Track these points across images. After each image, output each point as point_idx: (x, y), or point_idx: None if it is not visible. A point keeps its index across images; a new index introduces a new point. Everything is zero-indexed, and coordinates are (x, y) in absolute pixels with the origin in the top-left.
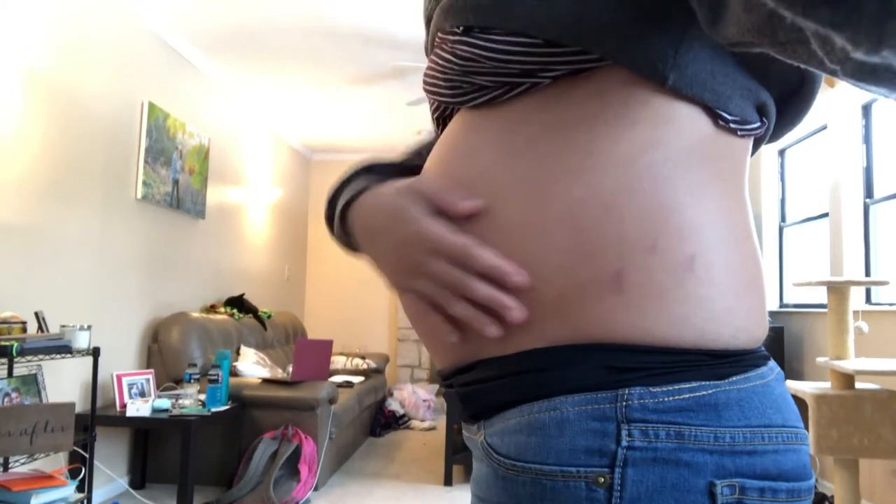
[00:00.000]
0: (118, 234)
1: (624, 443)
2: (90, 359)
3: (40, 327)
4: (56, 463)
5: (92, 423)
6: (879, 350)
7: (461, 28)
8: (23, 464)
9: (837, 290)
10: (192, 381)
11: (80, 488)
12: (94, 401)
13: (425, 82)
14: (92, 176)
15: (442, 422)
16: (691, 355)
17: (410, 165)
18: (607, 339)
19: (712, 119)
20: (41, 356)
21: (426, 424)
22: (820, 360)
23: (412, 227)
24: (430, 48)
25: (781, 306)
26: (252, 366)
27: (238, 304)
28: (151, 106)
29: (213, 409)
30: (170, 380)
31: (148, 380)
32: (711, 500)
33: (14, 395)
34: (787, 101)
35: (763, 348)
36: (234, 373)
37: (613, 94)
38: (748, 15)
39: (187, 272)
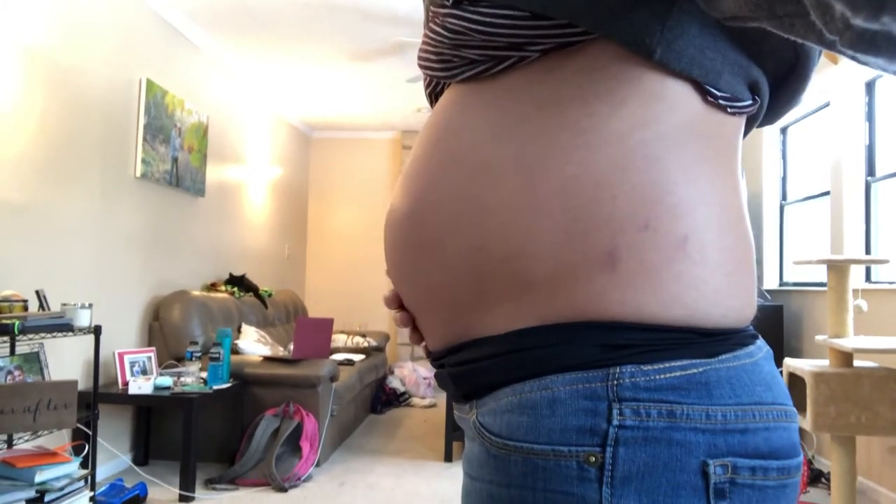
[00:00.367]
0: (118, 212)
1: (615, 422)
2: (92, 337)
3: (41, 305)
4: (59, 440)
5: (94, 400)
6: (878, 328)
7: (451, 1)
8: (26, 441)
9: (837, 269)
10: (193, 358)
11: (83, 465)
12: (97, 378)
13: (419, 58)
14: (91, 153)
15: (442, 399)
16: (682, 333)
17: None
18: (599, 317)
19: (702, 96)
20: (43, 334)
21: (426, 402)
22: (819, 338)
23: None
24: (426, 23)
25: (781, 284)
26: (253, 344)
27: (238, 282)
28: (149, 83)
29: (215, 387)
30: (171, 357)
31: (149, 358)
32: (704, 479)
33: (17, 372)
34: (784, 79)
35: (752, 327)
36: (235, 351)
37: (603, 70)
38: None
39: (187, 250)
